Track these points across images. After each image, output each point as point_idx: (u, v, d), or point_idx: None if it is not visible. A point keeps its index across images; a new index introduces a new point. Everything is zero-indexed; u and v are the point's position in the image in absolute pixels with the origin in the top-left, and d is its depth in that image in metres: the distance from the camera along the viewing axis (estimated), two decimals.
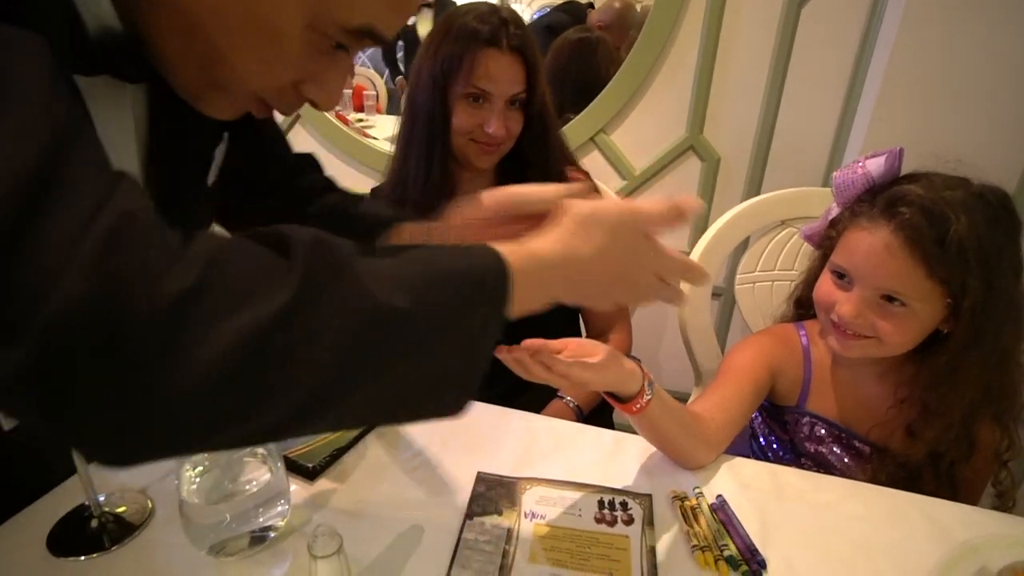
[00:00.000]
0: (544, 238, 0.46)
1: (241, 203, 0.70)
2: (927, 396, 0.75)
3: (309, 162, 0.76)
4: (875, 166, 0.74)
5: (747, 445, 0.93)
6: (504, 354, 0.56)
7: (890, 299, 0.71)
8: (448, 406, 0.41)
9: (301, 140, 1.77)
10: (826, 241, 0.82)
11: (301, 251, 0.33)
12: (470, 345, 0.39)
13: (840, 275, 0.76)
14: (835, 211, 0.80)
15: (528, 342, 0.58)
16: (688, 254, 1.11)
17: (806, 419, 0.84)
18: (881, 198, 0.72)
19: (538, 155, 0.98)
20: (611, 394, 0.65)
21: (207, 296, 0.30)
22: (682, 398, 0.71)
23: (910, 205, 0.69)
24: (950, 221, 0.67)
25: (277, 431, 0.35)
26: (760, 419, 0.91)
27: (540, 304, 0.45)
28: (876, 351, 0.75)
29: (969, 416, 0.74)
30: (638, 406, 0.64)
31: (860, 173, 0.75)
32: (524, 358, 0.56)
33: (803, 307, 0.90)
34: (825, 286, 0.78)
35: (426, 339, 0.37)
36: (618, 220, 0.48)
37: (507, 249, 0.42)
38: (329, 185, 0.75)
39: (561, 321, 1.12)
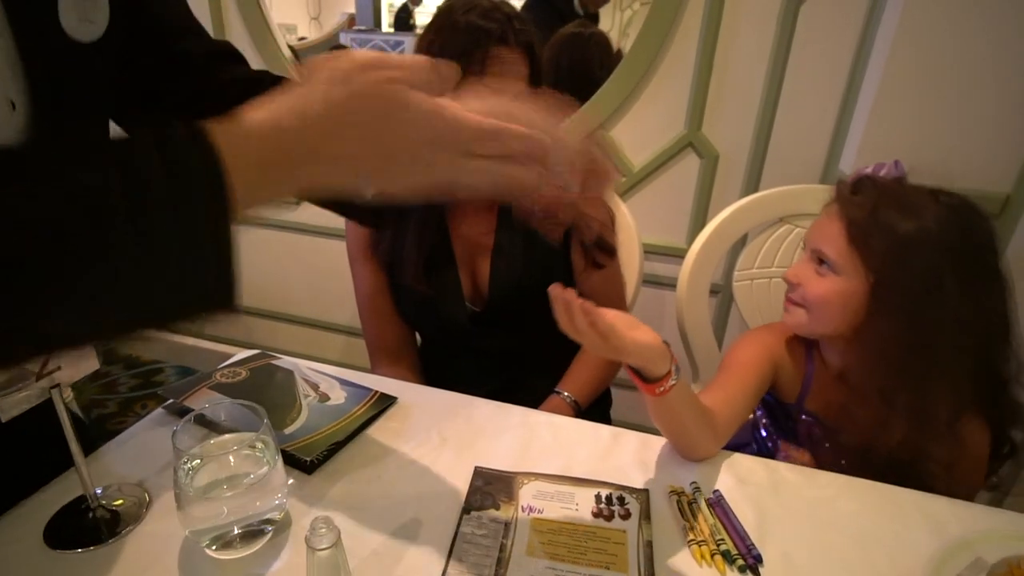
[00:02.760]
0: (260, 107, 0.38)
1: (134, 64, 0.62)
2: (867, 379, 0.77)
3: (226, 52, 0.69)
4: (877, 172, 0.79)
5: (749, 435, 0.93)
6: (558, 292, 0.56)
7: (822, 261, 0.77)
8: (206, 300, 0.37)
9: None
10: None
11: None
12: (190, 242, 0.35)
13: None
14: None
15: (579, 300, 0.57)
16: (687, 250, 1.12)
17: (804, 418, 0.84)
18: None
19: None
20: (636, 373, 0.64)
21: None
22: None
23: (862, 180, 0.76)
24: (885, 197, 0.73)
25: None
26: (762, 412, 0.91)
27: (287, 189, 0.39)
28: (804, 319, 0.79)
29: (916, 420, 0.73)
30: (661, 389, 0.64)
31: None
32: (573, 303, 0.56)
33: None
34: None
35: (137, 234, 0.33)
36: (354, 67, 0.39)
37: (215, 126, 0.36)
38: (230, 51, 0.69)
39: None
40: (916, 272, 0.71)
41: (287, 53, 1.74)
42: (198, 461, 0.58)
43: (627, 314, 0.63)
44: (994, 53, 1.11)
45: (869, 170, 0.79)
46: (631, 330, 0.61)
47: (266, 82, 0.66)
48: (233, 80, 0.65)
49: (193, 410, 0.61)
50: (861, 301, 0.74)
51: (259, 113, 0.37)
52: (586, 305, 0.56)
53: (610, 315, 0.60)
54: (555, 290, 0.56)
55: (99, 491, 0.63)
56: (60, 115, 0.53)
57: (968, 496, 0.78)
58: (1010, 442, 0.80)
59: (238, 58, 0.69)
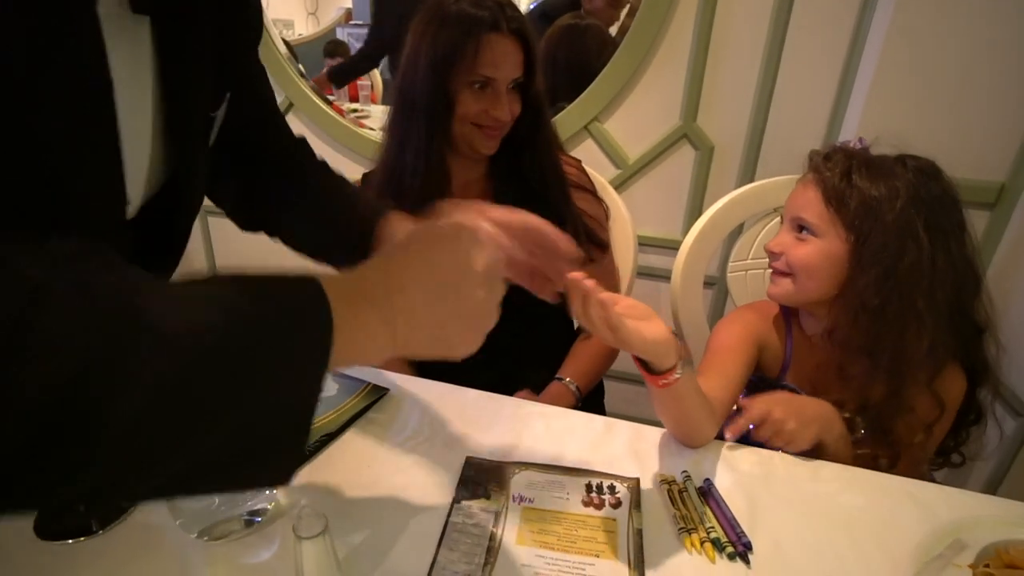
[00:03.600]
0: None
1: (233, 169, 0.69)
2: (842, 331, 0.79)
3: (303, 142, 0.76)
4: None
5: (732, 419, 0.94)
6: (576, 280, 0.56)
7: (802, 228, 0.79)
8: (271, 470, 0.37)
9: (295, 129, 1.76)
10: None
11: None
12: (287, 396, 0.35)
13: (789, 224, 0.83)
14: None
15: (596, 291, 0.57)
16: (680, 241, 1.12)
17: (786, 392, 0.85)
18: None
19: (532, 139, 0.97)
20: (643, 363, 0.65)
21: None
22: None
23: (843, 152, 0.79)
24: (856, 163, 0.76)
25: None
26: (744, 393, 0.92)
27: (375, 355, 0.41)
28: (791, 287, 0.80)
29: (889, 373, 0.76)
30: (664, 382, 0.64)
31: None
32: (591, 295, 0.56)
33: None
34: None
35: (235, 388, 0.33)
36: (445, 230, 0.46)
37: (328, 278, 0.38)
38: (324, 165, 0.75)
39: (553, 312, 1.12)
40: (891, 224, 0.74)
41: (283, 50, 1.74)
42: None
43: (640, 304, 0.63)
44: (989, 43, 1.10)
45: (838, 143, 0.82)
46: (642, 322, 0.61)
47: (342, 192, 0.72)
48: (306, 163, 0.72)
49: None
50: (842, 260, 0.77)
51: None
52: (602, 297, 0.57)
53: (623, 304, 0.61)
54: (573, 278, 0.57)
55: None
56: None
57: (915, 456, 0.81)
58: (978, 408, 0.83)
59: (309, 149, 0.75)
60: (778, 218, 1.09)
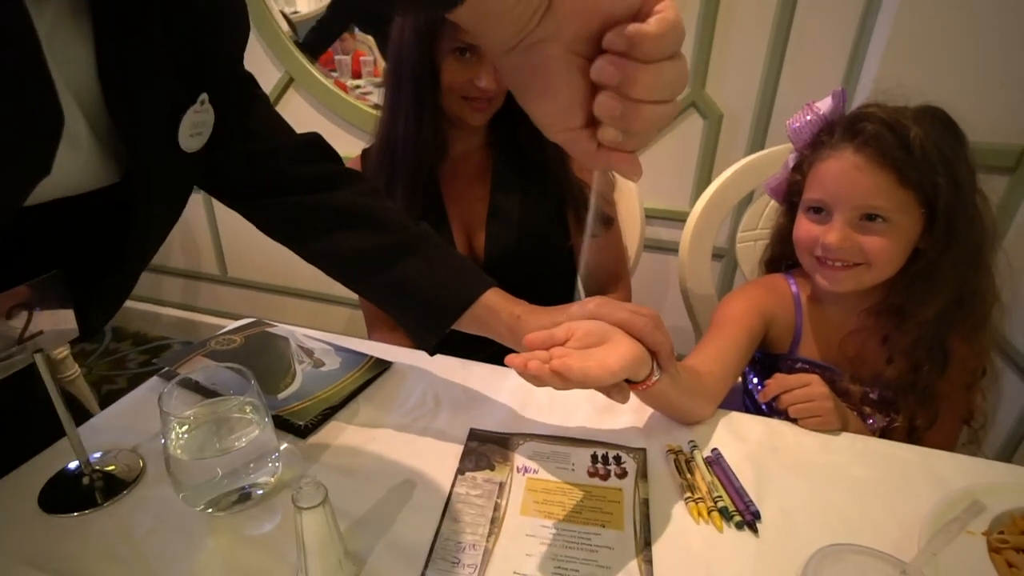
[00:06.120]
0: None
1: (225, 178, 0.67)
2: (902, 300, 0.76)
3: (313, 145, 0.70)
4: (824, 105, 0.78)
5: (740, 401, 0.92)
6: (520, 367, 0.49)
7: (871, 217, 0.73)
8: None
9: (295, 105, 1.74)
10: (792, 187, 0.83)
11: None
12: None
13: (816, 210, 0.77)
14: (794, 159, 0.82)
15: (532, 337, 0.53)
16: (688, 213, 1.09)
17: (799, 365, 0.84)
18: (839, 126, 0.75)
19: None
20: None
21: None
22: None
23: (869, 121, 0.72)
24: (909, 128, 0.70)
25: None
26: (752, 374, 0.90)
27: None
28: (867, 277, 0.76)
29: (943, 324, 0.75)
30: (644, 387, 0.60)
31: (812, 114, 0.78)
32: (543, 373, 0.48)
33: (775, 267, 0.92)
34: (804, 226, 0.79)
35: None
36: None
37: None
38: (337, 176, 0.69)
39: (556, 284, 1.10)
40: (964, 187, 0.71)
41: (283, 25, 1.71)
42: (187, 425, 0.58)
43: (595, 325, 0.56)
44: (1008, 3, 1.06)
45: (822, 107, 0.77)
46: (604, 351, 0.54)
47: (347, 178, 0.70)
48: (313, 175, 0.68)
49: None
50: (916, 238, 0.74)
51: None
52: (553, 365, 0.49)
53: (576, 335, 0.55)
54: (514, 363, 0.49)
55: (95, 457, 0.63)
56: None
57: (953, 415, 0.80)
58: (982, 350, 0.81)
59: (327, 153, 0.71)
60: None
